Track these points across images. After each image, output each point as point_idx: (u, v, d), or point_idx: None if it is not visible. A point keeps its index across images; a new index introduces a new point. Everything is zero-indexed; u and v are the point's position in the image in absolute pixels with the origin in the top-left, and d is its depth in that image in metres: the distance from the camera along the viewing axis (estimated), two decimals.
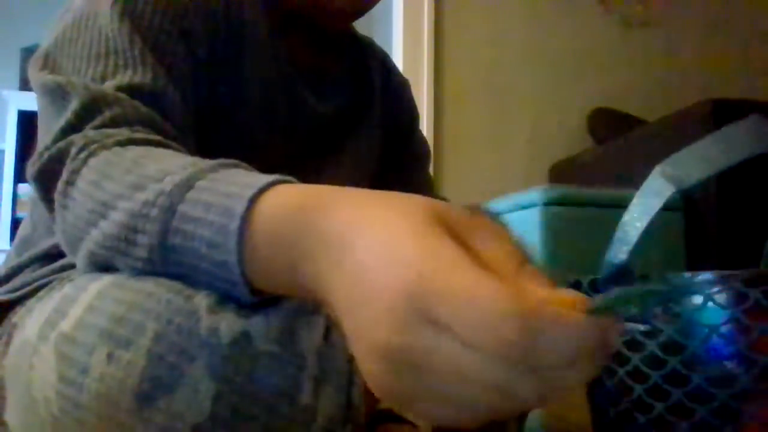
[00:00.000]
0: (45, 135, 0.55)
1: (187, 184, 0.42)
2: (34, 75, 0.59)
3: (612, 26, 2.53)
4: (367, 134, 0.82)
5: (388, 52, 0.92)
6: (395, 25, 2.46)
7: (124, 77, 0.56)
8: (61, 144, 0.52)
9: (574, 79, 2.50)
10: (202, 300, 0.41)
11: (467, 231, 0.30)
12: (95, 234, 0.47)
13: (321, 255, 0.33)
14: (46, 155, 0.52)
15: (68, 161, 0.50)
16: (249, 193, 0.39)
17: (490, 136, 2.44)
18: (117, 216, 0.45)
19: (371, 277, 0.29)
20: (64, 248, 0.52)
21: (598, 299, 0.27)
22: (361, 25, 0.88)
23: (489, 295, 0.25)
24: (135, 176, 0.46)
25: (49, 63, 0.59)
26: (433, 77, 2.39)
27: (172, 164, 0.46)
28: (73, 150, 0.51)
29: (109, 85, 0.55)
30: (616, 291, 0.27)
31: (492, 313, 0.25)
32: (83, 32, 0.59)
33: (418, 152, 0.93)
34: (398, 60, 2.35)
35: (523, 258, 0.30)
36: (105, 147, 0.50)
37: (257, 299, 0.41)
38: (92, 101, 0.54)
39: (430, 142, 2.05)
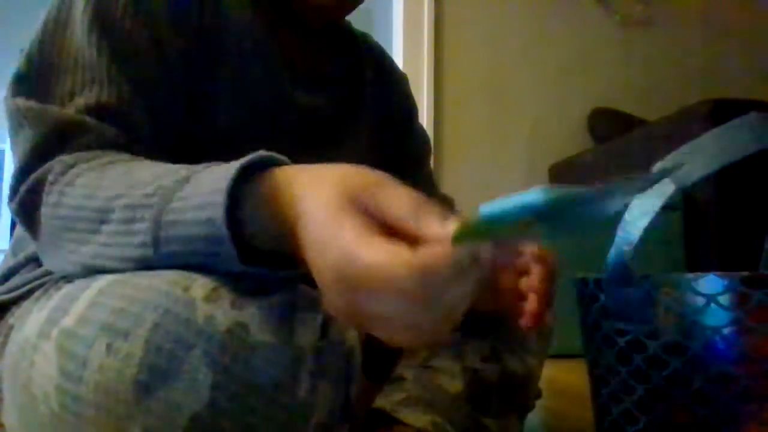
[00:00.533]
0: (14, 161, 0.56)
1: (186, 177, 0.44)
2: (6, 96, 0.59)
3: (612, 26, 2.53)
4: (361, 129, 0.82)
5: (387, 52, 0.91)
6: (395, 25, 2.46)
7: (91, 96, 0.56)
8: (36, 174, 0.52)
9: (574, 79, 2.50)
10: (198, 289, 0.42)
11: (373, 196, 0.38)
12: (93, 239, 0.48)
13: (293, 229, 0.40)
14: (22, 189, 0.53)
15: (48, 185, 0.51)
16: (238, 164, 0.42)
17: (490, 136, 2.44)
18: (116, 215, 0.46)
19: (316, 255, 0.37)
20: (51, 266, 0.53)
21: (457, 228, 0.35)
22: (361, 25, 0.88)
23: (388, 268, 0.34)
24: (131, 179, 0.47)
25: (27, 78, 0.58)
26: (433, 77, 2.39)
27: (163, 168, 0.48)
28: (51, 176, 0.51)
29: (75, 107, 0.55)
30: (478, 218, 0.33)
31: (392, 281, 0.34)
32: (56, 41, 0.59)
33: (417, 147, 0.92)
34: (398, 60, 2.35)
35: (420, 204, 0.37)
36: (91, 168, 0.51)
37: (247, 269, 0.42)
38: (59, 128, 0.54)
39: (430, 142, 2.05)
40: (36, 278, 0.63)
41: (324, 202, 0.38)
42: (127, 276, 0.45)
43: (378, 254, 0.34)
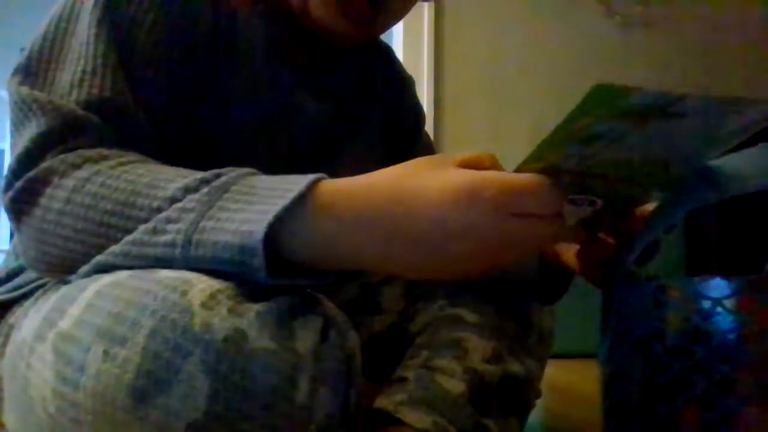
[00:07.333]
0: (14, 151, 0.54)
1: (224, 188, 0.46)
2: (9, 82, 0.58)
3: (612, 26, 2.53)
4: (368, 136, 0.82)
5: (395, 53, 0.91)
6: (395, 25, 2.45)
7: (92, 90, 0.55)
8: (37, 170, 0.51)
9: (574, 79, 2.50)
10: (196, 295, 0.41)
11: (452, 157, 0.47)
12: (109, 235, 0.47)
13: (379, 231, 0.44)
14: (18, 184, 0.51)
15: (51, 182, 0.50)
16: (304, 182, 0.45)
17: (490, 136, 2.44)
18: (143, 215, 0.46)
19: (441, 190, 0.44)
20: (52, 269, 0.52)
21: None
22: None
23: (529, 182, 0.46)
24: (154, 179, 0.48)
25: (29, 68, 0.57)
26: (433, 77, 2.39)
27: (187, 174, 0.48)
28: (54, 175, 0.50)
29: (76, 101, 0.54)
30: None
31: (540, 193, 0.45)
32: (61, 34, 0.58)
33: (424, 153, 0.92)
34: None
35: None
36: (110, 167, 0.50)
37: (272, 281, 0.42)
38: (64, 122, 0.53)
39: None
40: (38, 278, 0.63)
41: (417, 164, 0.47)
42: (125, 278, 0.45)
43: (510, 177, 0.46)
